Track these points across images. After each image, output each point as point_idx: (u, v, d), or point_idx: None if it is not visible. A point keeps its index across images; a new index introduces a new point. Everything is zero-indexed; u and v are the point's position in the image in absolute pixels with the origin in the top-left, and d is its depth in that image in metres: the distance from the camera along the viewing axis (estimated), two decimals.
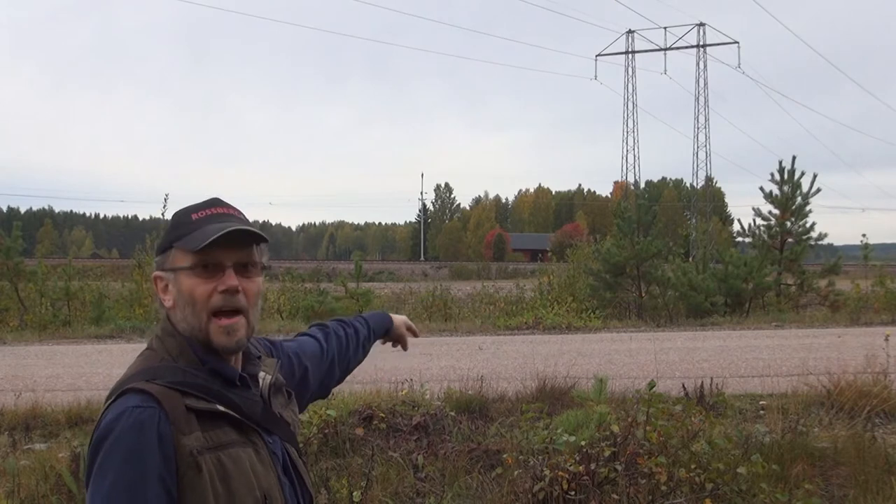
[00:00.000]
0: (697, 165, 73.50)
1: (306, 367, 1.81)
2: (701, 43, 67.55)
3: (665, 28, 67.64)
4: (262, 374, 1.55)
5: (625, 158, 71.26)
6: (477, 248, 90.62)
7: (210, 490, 1.33)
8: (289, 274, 21.16)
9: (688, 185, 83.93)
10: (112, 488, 1.29)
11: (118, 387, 1.41)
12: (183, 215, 1.49)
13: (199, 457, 1.33)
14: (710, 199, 72.63)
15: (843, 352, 8.38)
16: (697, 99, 68.98)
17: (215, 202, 1.51)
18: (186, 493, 1.33)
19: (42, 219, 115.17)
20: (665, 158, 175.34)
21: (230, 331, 1.43)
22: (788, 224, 17.24)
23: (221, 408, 1.40)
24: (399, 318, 2.23)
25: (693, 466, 4.08)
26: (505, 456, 4.48)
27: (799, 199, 17.19)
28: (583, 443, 4.27)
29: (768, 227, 17.51)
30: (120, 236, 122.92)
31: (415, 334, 2.27)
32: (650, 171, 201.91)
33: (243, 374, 1.50)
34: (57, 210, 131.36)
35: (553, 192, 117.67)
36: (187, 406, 1.37)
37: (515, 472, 4.31)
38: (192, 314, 1.43)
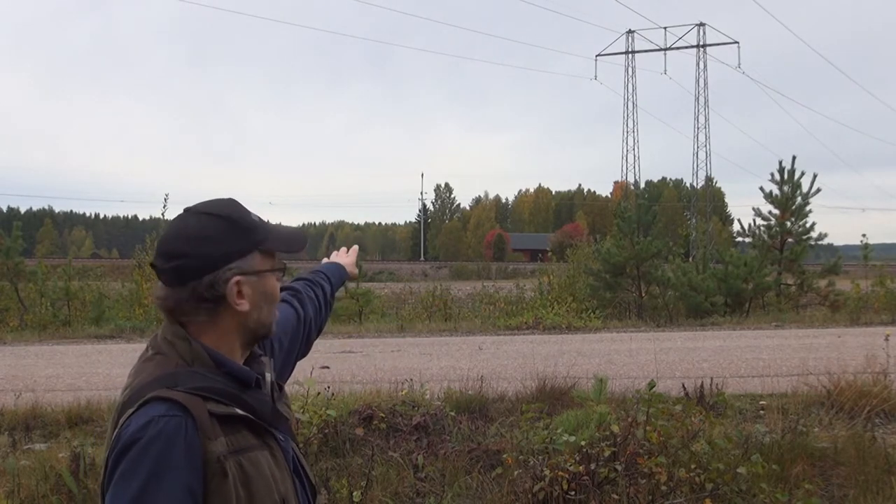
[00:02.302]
0: (697, 165, 73.95)
1: (289, 349, 1.83)
2: (701, 43, 67.64)
3: (665, 28, 67.77)
4: (265, 371, 1.56)
5: (625, 158, 71.37)
6: (477, 248, 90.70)
7: (233, 495, 1.33)
8: (289, 274, 21.17)
9: (688, 185, 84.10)
10: (136, 499, 1.27)
11: (137, 395, 1.37)
12: (247, 217, 1.49)
13: (225, 462, 1.32)
14: (710, 199, 72.66)
15: (843, 352, 8.39)
16: (697, 99, 69.10)
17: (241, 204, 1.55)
18: (211, 498, 1.32)
19: (42, 219, 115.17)
20: (665, 158, 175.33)
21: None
22: (788, 224, 17.24)
23: (240, 411, 1.40)
24: (348, 261, 2.32)
25: (693, 466, 4.08)
26: (505, 456, 4.48)
27: (799, 199, 17.19)
28: (583, 443, 4.27)
29: (768, 227, 17.51)
30: (120, 236, 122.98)
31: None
32: (650, 171, 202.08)
33: (257, 375, 1.50)
34: (57, 210, 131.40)
35: (553, 192, 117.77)
36: (210, 411, 1.35)
37: (515, 472, 4.31)
38: (269, 312, 1.51)
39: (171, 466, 1.28)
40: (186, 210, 1.49)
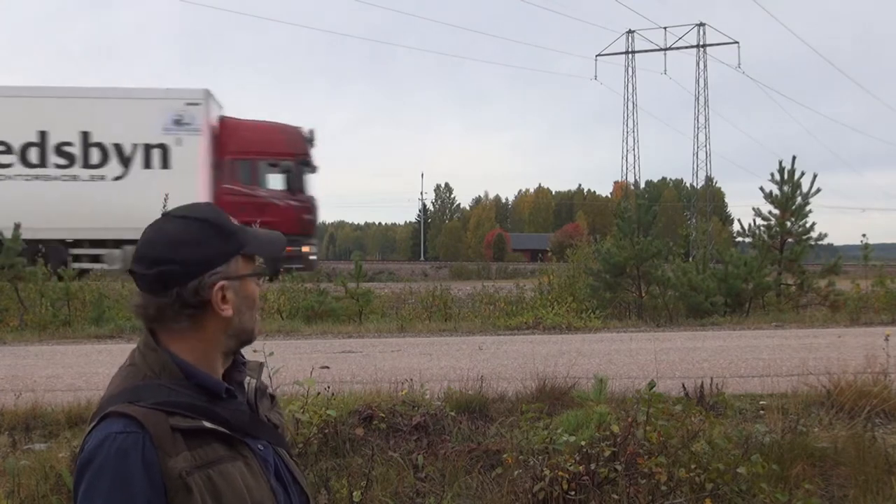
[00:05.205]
0: (697, 165, 73.68)
1: None
2: (701, 43, 67.56)
3: (665, 28, 67.64)
4: (247, 379, 1.54)
5: (625, 158, 71.32)
6: (477, 248, 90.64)
7: None
8: (288, 274, 21.15)
9: (688, 185, 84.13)
10: None
11: (100, 409, 1.38)
12: (226, 222, 1.48)
13: (187, 478, 1.31)
14: (710, 199, 72.63)
15: (843, 352, 8.37)
16: (697, 99, 69.02)
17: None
18: None
19: None
20: (665, 158, 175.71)
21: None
22: (788, 224, 17.22)
23: (208, 424, 1.38)
24: None
25: (693, 466, 4.08)
26: (505, 456, 4.48)
27: (799, 199, 17.17)
28: (583, 443, 4.27)
29: (768, 227, 17.50)
30: None
31: None
32: (650, 171, 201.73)
33: (229, 386, 1.48)
34: None
35: (553, 192, 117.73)
36: (172, 426, 1.34)
37: (515, 472, 4.31)
38: (251, 317, 1.49)
39: (130, 484, 1.28)
40: (165, 214, 1.47)
